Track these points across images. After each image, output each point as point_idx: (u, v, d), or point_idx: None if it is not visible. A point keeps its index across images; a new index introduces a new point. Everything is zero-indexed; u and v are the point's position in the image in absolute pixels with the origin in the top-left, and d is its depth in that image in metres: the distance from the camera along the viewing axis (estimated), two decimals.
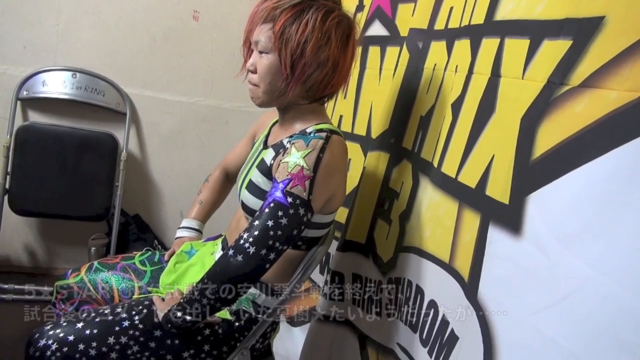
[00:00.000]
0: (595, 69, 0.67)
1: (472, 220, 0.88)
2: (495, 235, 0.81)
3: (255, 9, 1.02)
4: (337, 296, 1.47)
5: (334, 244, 1.49)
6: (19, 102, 2.04)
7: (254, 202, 1.06)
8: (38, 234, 2.24)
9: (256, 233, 0.93)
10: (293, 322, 1.85)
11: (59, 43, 2.07)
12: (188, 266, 1.20)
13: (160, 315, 1.00)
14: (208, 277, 0.96)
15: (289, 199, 0.94)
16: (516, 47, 0.83)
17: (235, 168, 1.36)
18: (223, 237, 1.24)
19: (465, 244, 0.90)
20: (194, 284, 0.98)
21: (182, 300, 0.98)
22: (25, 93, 2.03)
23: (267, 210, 0.94)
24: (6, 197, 2.00)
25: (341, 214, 1.46)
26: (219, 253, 1.18)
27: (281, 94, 1.03)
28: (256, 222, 0.94)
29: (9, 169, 1.99)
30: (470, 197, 0.90)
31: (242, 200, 1.10)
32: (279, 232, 0.93)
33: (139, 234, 2.25)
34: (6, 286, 2.03)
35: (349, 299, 1.45)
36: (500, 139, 0.84)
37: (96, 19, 2.09)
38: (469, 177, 0.91)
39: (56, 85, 2.06)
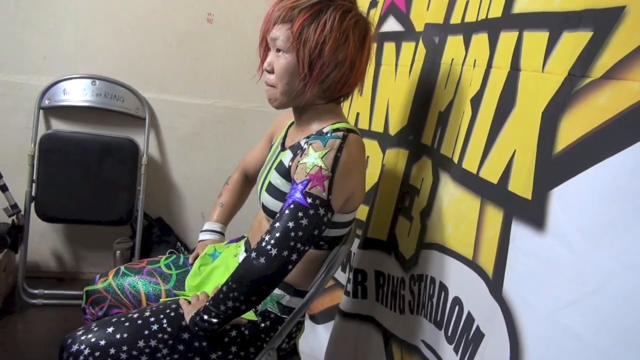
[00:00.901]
0: (617, 60, 0.66)
1: (495, 216, 0.88)
2: (519, 231, 0.81)
3: (272, 8, 1.02)
4: (361, 293, 1.47)
5: (355, 242, 1.49)
6: (41, 111, 2.08)
7: (274, 204, 1.07)
8: (65, 239, 2.29)
9: (277, 235, 0.94)
10: (317, 320, 1.86)
11: (77, 51, 2.10)
12: (212, 268, 1.21)
13: (187, 318, 1.02)
14: (232, 279, 0.97)
15: (309, 200, 0.94)
16: (535, 40, 0.81)
17: (254, 169, 1.37)
18: (246, 239, 1.26)
19: (488, 240, 0.89)
20: (219, 287, 1.00)
21: (208, 304, 0.99)
22: (47, 102, 2.07)
23: (287, 211, 0.95)
24: (33, 205, 2.05)
25: (362, 212, 1.46)
26: (242, 255, 1.20)
27: (299, 94, 1.03)
28: (277, 224, 0.95)
29: (34, 177, 2.04)
30: (493, 192, 0.89)
31: (262, 203, 1.11)
32: (300, 233, 0.94)
33: (162, 237, 2.28)
34: (36, 291, 2.08)
35: (373, 296, 1.45)
36: (522, 134, 0.83)
37: (112, 27, 2.12)
38: (491, 173, 0.90)
39: (77, 93, 2.09)
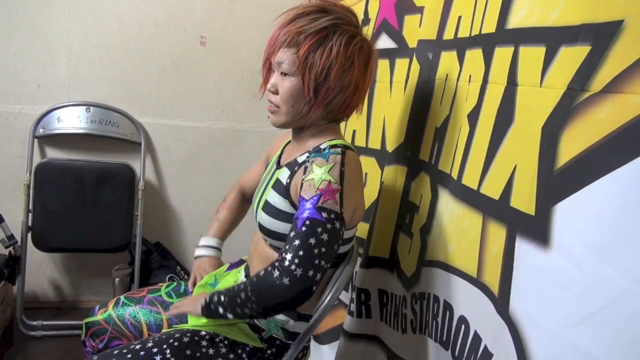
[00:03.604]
0: (616, 74, 0.65)
1: (498, 233, 0.86)
2: (523, 248, 0.79)
3: (277, 31, 1.02)
4: (365, 313, 1.45)
5: (357, 260, 1.47)
6: (36, 140, 2.07)
7: (270, 222, 1.05)
8: (63, 269, 2.26)
9: (301, 253, 0.89)
10: (321, 340, 1.83)
11: (71, 79, 2.10)
12: None
13: (193, 307, 1.03)
14: (253, 292, 0.94)
15: (324, 215, 0.92)
16: (532, 54, 0.81)
17: (251, 189, 1.36)
18: (245, 264, 1.24)
19: (492, 257, 0.88)
20: (234, 288, 0.98)
21: (223, 299, 0.99)
22: (41, 130, 2.07)
23: (303, 229, 0.91)
24: (29, 235, 2.03)
25: (362, 229, 1.45)
26: (242, 280, 1.18)
27: (303, 116, 1.04)
28: (296, 242, 0.90)
29: (30, 207, 2.02)
30: (495, 209, 0.88)
31: (258, 222, 1.10)
32: (323, 249, 0.90)
33: (162, 262, 2.25)
34: (35, 323, 2.05)
35: (377, 316, 1.43)
36: (522, 149, 0.82)
37: (105, 53, 2.12)
38: (492, 189, 0.89)
39: (71, 120, 2.09)
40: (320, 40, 0.98)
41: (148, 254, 2.26)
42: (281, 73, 1.02)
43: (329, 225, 0.92)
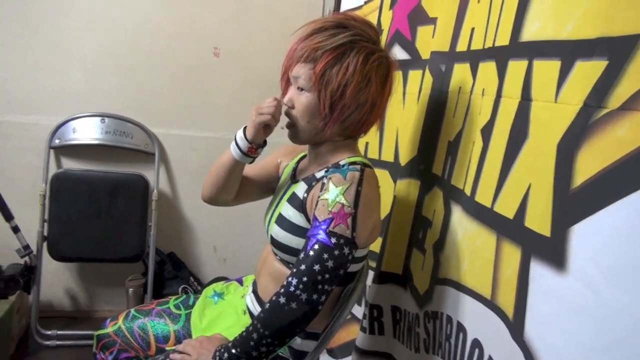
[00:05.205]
0: (635, 90, 0.62)
1: (512, 254, 0.83)
2: (539, 270, 0.76)
3: (294, 45, 1.02)
4: (377, 330, 1.42)
5: (370, 275, 1.45)
6: (51, 151, 2.09)
7: (284, 236, 1.04)
8: (78, 278, 2.27)
9: (305, 279, 0.91)
10: (335, 354, 1.80)
11: (86, 90, 2.12)
12: (220, 312, 1.19)
13: (204, 357, 0.99)
14: (263, 326, 0.94)
15: (333, 240, 0.92)
16: (546, 69, 0.78)
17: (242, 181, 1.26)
18: (253, 279, 1.22)
19: (506, 279, 0.84)
20: (245, 334, 0.96)
21: (235, 351, 0.96)
22: (57, 141, 2.08)
23: (311, 252, 0.92)
24: (45, 244, 2.04)
25: (375, 244, 1.41)
26: (249, 296, 1.17)
27: (319, 132, 1.03)
28: (302, 266, 0.92)
29: (46, 216, 2.04)
30: (509, 228, 0.85)
31: (270, 235, 1.08)
32: (327, 276, 0.92)
33: (175, 272, 2.25)
34: (49, 332, 2.06)
35: (390, 333, 1.40)
36: (537, 166, 0.79)
37: (119, 64, 2.13)
38: (506, 207, 0.86)
39: (86, 131, 2.11)
40: (337, 57, 0.97)
41: (161, 265, 2.26)
42: (298, 87, 1.02)
43: (336, 252, 0.92)
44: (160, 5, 2.14)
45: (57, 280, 2.23)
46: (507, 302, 0.84)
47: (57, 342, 2.04)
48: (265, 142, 1.13)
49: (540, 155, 0.78)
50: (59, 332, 2.07)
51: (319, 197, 0.97)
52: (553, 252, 0.73)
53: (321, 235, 0.92)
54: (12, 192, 1.97)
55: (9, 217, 1.92)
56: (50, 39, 2.06)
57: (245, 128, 1.10)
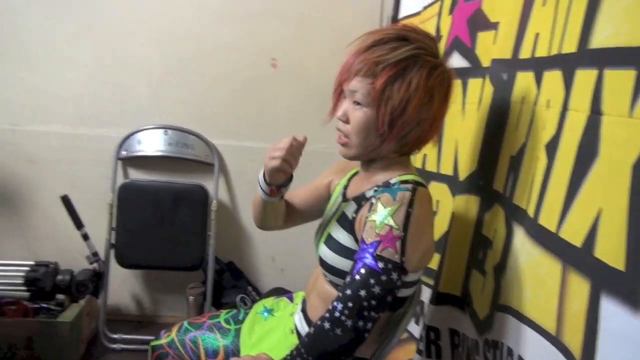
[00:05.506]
0: None
1: (580, 287, 0.74)
2: (610, 309, 0.67)
3: (352, 59, 0.97)
4: (435, 353, 1.34)
5: (427, 293, 1.37)
6: (119, 162, 2.18)
7: (333, 258, 1.00)
8: (144, 284, 2.36)
9: (350, 304, 0.87)
10: None
11: (151, 104, 2.21)
12: (269, 329, 1.17)
13: None
14: (307, 350, 0.90)
15: (380, 265, 0.87)
16: (619, 79, 0.69)
17: (292, 204, 1.28)
18: (303, 297, 1.19)
19: (573, 314, 0.75)
20: (291, 354, 0.92)
21: None
22: (124, 153, 2.17)
23: (357, 277, 0.88)
24: (112, 251, 2.13)
25: (432, 261, 1.34)
26: (298, 314, 1.14)
27: (375, 149, 0.98)
28: (348, 291, 0.88)
29: (113, 225, 2.13)
30: (576, 258, 0.75)
31: (320, 256, 1.05)
32: (373, 302, 0.87)
33: (234, 282, 2.27)
34: (115, 336, 2.14)
35: (448, 357, 1.31)
36: (608, 189, 0.70)
37: (181, 77, 2.20)
38: (573, 234, 0.77)
39: (150, 143, 2.18)
40: (399, 72, 0.92)
41: (220, 274, 2.29)
42: (354, 102, 0.97)
43: (383, 277, 0.87)
44: (220, 20, 2.19)
45: (124, 286, 2.32)
46: (574, 341, 0.74)
47: (122, 346, 2.12)
48: (291, 178, 1.10)
49: (612, 177, 0.69)
50: (124, 336, 2.15)
51: (366, 217, 0.93)
52: (628, 288, 0.64)
53: (368, 259, 0.88)
54: (83, 201, 2.08)
55: (79, 225, 2.03)
56: (119, 55, 2.16)
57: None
